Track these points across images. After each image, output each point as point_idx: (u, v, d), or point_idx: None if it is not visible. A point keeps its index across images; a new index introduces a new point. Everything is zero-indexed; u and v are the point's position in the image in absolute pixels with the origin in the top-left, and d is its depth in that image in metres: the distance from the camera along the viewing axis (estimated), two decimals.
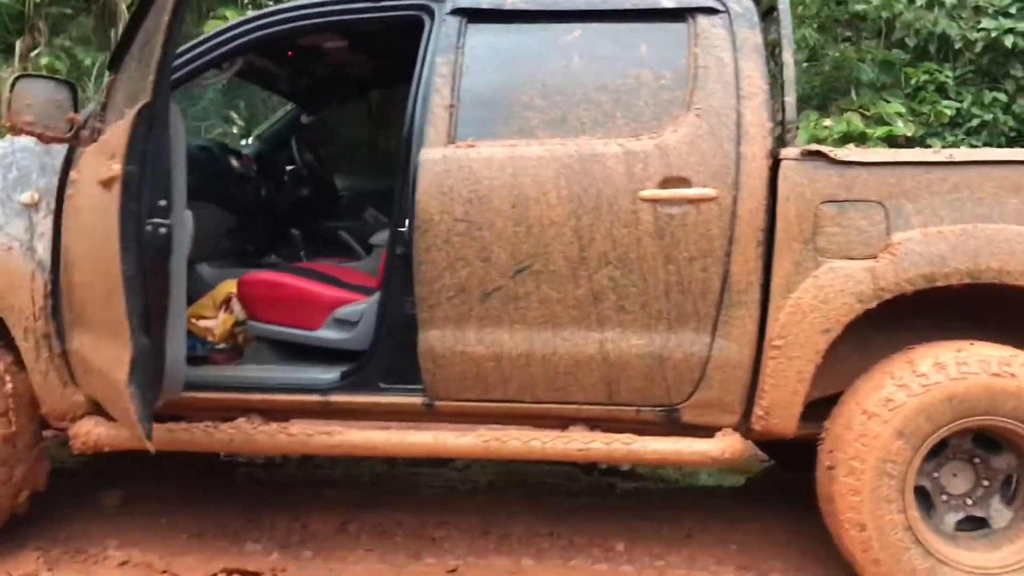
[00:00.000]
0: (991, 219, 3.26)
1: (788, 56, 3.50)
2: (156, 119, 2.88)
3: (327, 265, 4.46)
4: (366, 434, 3.50)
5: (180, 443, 3.45)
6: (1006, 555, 3.28)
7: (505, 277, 3.38)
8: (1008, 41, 8.53)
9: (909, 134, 8.28)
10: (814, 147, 3.34)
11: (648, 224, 3.32)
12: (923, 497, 3.33)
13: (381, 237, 4.59)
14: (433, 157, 3.42)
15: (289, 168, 5.19)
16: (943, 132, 8.65)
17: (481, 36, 3.58)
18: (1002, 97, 8.69)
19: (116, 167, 2.86)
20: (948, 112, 8.56)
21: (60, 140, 3.47)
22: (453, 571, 3.61)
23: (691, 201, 3.32)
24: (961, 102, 8.69)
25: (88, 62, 9.01)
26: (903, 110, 8.48)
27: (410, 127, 3.53)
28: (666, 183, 3.33)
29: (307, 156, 5.19)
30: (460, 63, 3.53)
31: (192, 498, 4.23)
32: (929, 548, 3.23)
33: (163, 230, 3.00)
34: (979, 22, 8.74)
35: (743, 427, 3.47)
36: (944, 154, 3.36)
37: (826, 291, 3.28)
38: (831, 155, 3.31)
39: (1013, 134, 8.70)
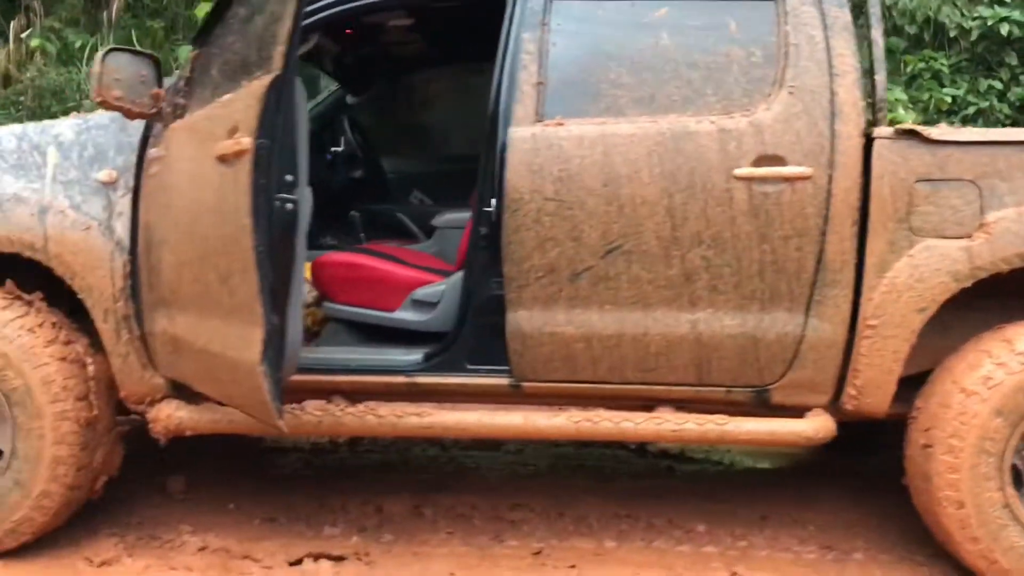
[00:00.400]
0: None
1: (877, 34, 3.49)
2: (284, 91, 2.80)
3: (393, 247, 4.38)
4: (457, 415, 3.43)
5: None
6: None
7: (596, 257, 3.34)
8: (1003, 29, 8.59)
9: (910, 121, 8.34)
10: (908, 125, 3.34)
11: (742, 203, 3.29)
12: (1014, 475, 3.33)
13: (443, 219, 4.53)
14: (522, 136, 3.37)
15: (337, 149, 5.08)
16: (940, 120, 8.71)
17: (567, 12, 3.52)
18: (997, 85, 8.75)
19: (245, 140, 2.75)
20: (947, 100, 8.63)
21: (146, 116, 3.36)
22: (538, 553, 3.57)
23: (786, 180, 3.29)
24: (958, 90, 8.76)
25: (78, 44, 8.85)
26: (904, 97, 8.53)
27: (495, 105, 3.47)
28: (760, 161, 3.30)
29: (358, 137, 5.10)
30: (547, 40, 3.48)
31: (253, 483, 4.16)
32: None
33: (289, 206, 2.92)
34: (975, 10, 8.82)
35: (832, 407, 3.46)
36: None
37: (921, 270, 3.27)
38: (925, 134, 3.30)
39: (1009, 122, 8.78)
